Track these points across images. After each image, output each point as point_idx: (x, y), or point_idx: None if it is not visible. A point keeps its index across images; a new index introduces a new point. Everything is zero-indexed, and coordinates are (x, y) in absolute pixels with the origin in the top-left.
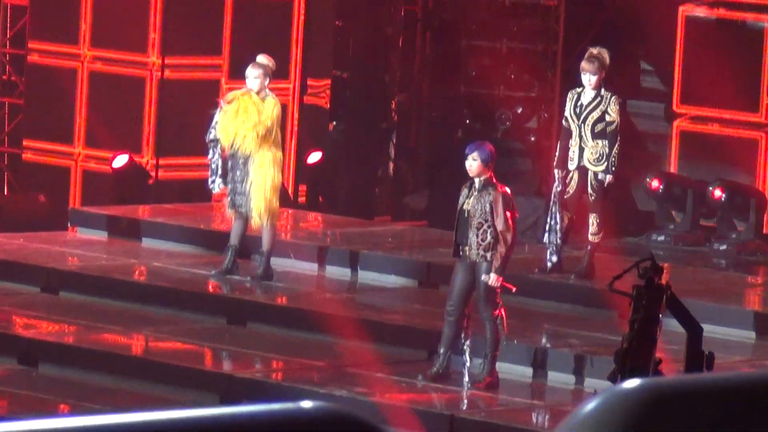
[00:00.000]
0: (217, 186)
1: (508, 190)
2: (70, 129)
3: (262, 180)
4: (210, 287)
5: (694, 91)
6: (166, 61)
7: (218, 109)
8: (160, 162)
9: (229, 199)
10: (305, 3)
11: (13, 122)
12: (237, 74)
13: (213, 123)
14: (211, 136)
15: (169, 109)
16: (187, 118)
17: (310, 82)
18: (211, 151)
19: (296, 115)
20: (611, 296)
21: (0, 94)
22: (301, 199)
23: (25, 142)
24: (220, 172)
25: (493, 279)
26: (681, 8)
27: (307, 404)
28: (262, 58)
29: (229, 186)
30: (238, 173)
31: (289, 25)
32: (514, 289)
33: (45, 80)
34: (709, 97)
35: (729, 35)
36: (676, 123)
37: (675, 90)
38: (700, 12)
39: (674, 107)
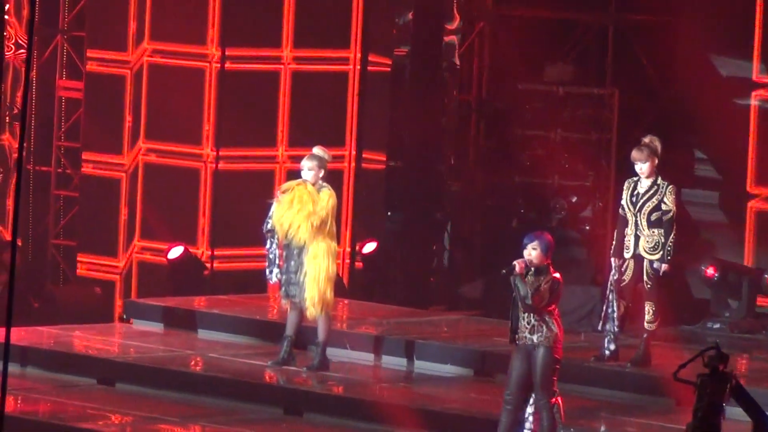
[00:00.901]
0: (274, 276)
1: (558, 276)
2: (121, 227)
3: (316, 271)
4: (266, 378)
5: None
6: (221, 152)
7: (274, 200)
8: (215, 253)
9: (283, 289)
10: (359, 96)
11: (68, 215)
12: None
13: (270, 213)
14: (269, 227)
15: (223, 201)
16: (242, 209)
17: (365, 155)
18: (268, 242)
19: (351, 205)
20: (668, 384)
21: (55, 187)
22: (356, 290)
23: (79, 257)
24: (278, 262)
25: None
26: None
27: None
28: (317, 150)
29: (284, 276)
30: (292, 263)
31: (344, 116)
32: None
33: (99, 185)
34: None
35: None
36: (750, 204)
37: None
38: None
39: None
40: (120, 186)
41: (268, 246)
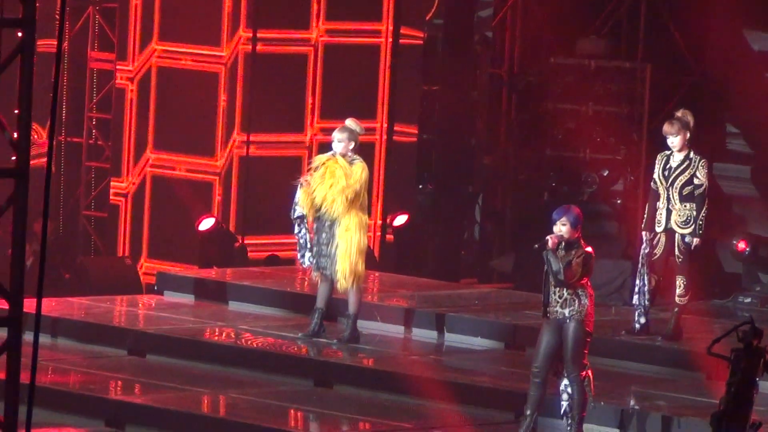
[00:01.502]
0: (307, 260)
1: (590, 249)
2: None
3: (348, 243)
4: (297, 350)
5: None
6: (251, 137)
7: (301, 181)
8: (246, 241)
9: (314, 262)
10: (391, 69)
11: (99, 186)
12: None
13: (296, 200)
14: (296, 214)
15: (253, 186)
16: (272, 194)
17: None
18: (296, 227)
19: (382, 177)
20: (699, 358)
21: (86, 159)
22: (387, 262)
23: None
24: (309, 246)
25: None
26: None
27: None
28: (350, 122)
29: (314, 249)
30: (323, 236)
31: (376, 88)
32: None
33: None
34: None
35: None
36: None
37: None
38: None
39: None
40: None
41: (296, 231)
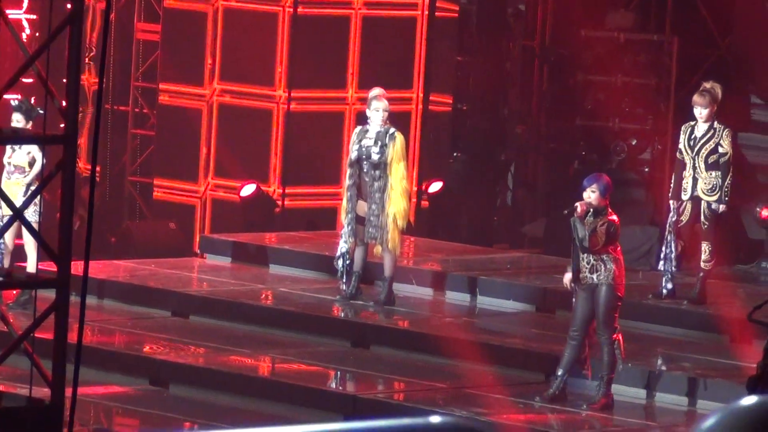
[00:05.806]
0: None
1: (615, 218)
2: (198, 161)
3: (397, 212)
4: (335, 312)
5: None
6: (293, 93)
7: (357, 130)
8: (287, 191)
9: (349, 228)
10: (427, 41)
11: (145, 153)
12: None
13: (351, 144)
14: (353, 157)
15: (295, 141)
16: (313, 149)
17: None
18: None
19: (418, 146)
20: (723, 321)
21: (132, 126)
22: (422, 227)
23: (156, 182)
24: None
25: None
26: None
27: (435, 419)
28: (382, 91)
29: (350, 215)
30: (374, 207)
31: (413, 60)
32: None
33: (175, 115)
34: None
35: None
36: None
37: None
38: None
39: None
40: (200, 119)
41: (348, 183)
